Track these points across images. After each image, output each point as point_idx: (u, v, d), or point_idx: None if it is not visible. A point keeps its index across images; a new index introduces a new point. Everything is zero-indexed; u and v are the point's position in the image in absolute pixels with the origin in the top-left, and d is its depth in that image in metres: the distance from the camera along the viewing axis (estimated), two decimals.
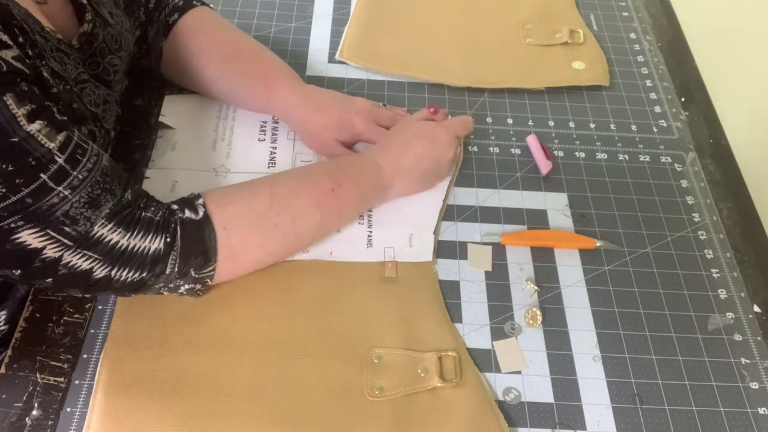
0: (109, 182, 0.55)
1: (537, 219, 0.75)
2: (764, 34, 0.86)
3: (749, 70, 0.88)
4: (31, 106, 0.50)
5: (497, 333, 0.66)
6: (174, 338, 0.63)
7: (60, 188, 0.51)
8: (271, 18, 0.95)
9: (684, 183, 0.81)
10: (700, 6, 1.00)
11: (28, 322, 0.64)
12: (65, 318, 0.64)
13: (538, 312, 0.67)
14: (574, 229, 0.75)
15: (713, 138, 0.87)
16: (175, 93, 0.82)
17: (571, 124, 0.86)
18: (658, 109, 0.89)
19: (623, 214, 0.76)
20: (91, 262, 0.55)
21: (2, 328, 0.67)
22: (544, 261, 0.72)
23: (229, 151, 0.78)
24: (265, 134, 0.80)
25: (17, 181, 0.49)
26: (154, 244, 0.57)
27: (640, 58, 0.95)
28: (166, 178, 0.74)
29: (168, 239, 0.57)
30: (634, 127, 0.86)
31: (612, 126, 0.86)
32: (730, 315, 0.69)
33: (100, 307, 0.65)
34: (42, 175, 0.50)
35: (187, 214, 0.59)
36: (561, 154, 0.82)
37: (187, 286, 0.61)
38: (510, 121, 0.85)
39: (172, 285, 0.60)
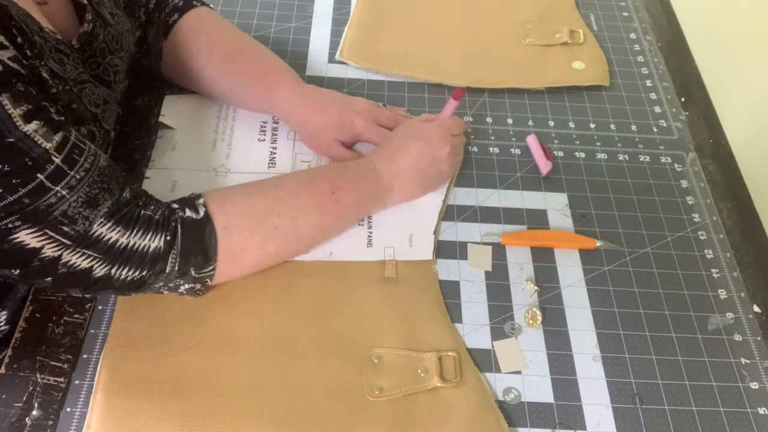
0: (107, 181, 0.55)
1: (537, 219, 0.75)
2: (764, 34, 0.86)
3: (749, 70, 0.88)
4: (27, 106, 0.50)
5: (497, 333, 0.66)
6: (174, 338, 0.63)
7: (57, 188, 0.51)
8: (271, 18, 0.95)
9: (684, 183, 0.81)
10: (700, 6, 1.00)
11: (28, 322, 0.64)
12: (65, 318, 0.64)
13: (538, 312, 0.67)
14: (574, 229, 0.75)
15: (713, 138, 0.87)
16: (175, 93, 0.83)
17: (571, 124, 0.86)
18: (658, 109, 0.89)
19: (623, 214, 0.77)
20: (90, 261, 0.55)
21: (2, 328, 0.67)
22: (544, 261, 0.72)
23: (229, 151, 0.78)
24: (265, 134, 0.80)
25: (14, 181, 0.50)
26: (154, 242, 0.57)
27: (640, 58, 0.95)
28: (166, 178, 0.74)
29: (168, 237, 0.57)
30: (634, 127, 0.86)
31: (612, 126, 0.86)
32: (730, 315, 0.69)
33: (100, 307, 0.65)
34: (39, 175, 0.50)
35: (188, 213, 0.59)
36: (561, 154, 0.82)
37: (187, 286, 0.61)
38: (510, 121, 0.85)
39: (172, 284, 0.60)
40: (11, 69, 0.50)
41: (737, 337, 0.68)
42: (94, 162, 0.55)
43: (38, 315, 0.64)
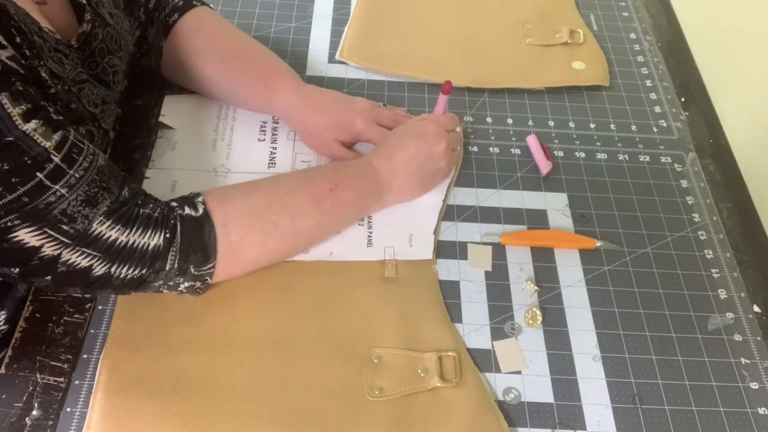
0: (105, 180, 0.55)
1: (537, 219, 0.75)
2: (764, 34, 0.86)
3: (749, 70, 0.88)
4: (26, 105, 0.50)
5: (497, 333, 0.66)
6: (174, 338, 0.63)
7: (57, 187, 0.52)
8: (271, 18, 0.95)
9: (684, 183, 0.81)
10: (700, 6, 1.00)
11: (28, 322, 0.64)
12: (65, 318, 0.64)
13: (538, 312, 0.67)
14: (574, 229, 0.75)
15: (713, 138, 0.87)
16: (175, 93, 0.83)
17: (571, 124, 0.86)
18: (658, 109, 0.89)
19: (623, 214, 0.77)
20: (90, 260, 0.55)
21: (2, 328, 0.67)
22: (544, 261, 0.72)
23: (229, 151, 0.78)
24: (265, 134, 0.80)
25: (13, 180, 0.50)
26: (154, 240, 0.57)
27: (640, 58, 0.95)
28: (166, 178, 0.74)
29: (167, 235, 0.57)
30: (634, 127, 0.86)
31: (612, 126, 0.86)
32: (730, 315, 0.69)
33: (100, 307, 0.65)
34: (38, 173, 0.51)
35: (187, 210, 0.59)
36: (561, 154, 0.82)
37: (186, 284, 0.61)
38: (510, 121, 0.85)
39: (171, 283, 0.60)
40: (10, 68, 0.50)
41: (737, 337, 0.68)
42: (93, 161, 0.55)
43: (38, 315, 0.64)
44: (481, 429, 0.59)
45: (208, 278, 0.62)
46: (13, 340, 0.62)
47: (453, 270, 0.70)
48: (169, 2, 0.77)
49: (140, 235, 0.56)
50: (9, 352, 0.61)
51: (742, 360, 0.66)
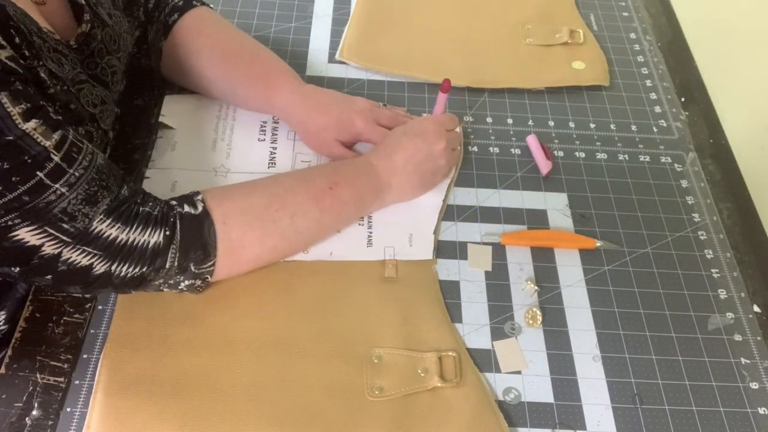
0: (105, 179, 0.56)
1: (537, 219, 0.75)
2: (764, 34, 0.86)
3: (749, 70, 0.88)
4: (26, 104, 0.50)
5: (497, 333, 0.66)
6: (174, 338, 0.63)
7: (57, 185, 0.52)
8: (271, 18, 0.95)
9: (684, 183, 0.81)
10: (700, 6, 1.00)
11: (28, 322, 0.64)
12: (65, 318, 0.64)
13: (538, 312, 0.67)
14: (574, 229, 0.75)
15: (713, 138, 0.87)
16: (175, 93, 0.83)
17: (571, 124, 0.86)
18: (658, 109, 0.89)
19: (623, 214, 0.77)
20: (90, 258, 0.55)
21: (2, 328, 0.67)
22: (544, 261, 0.72)
23: (229, 151, 0.78)
24: (265, 134, 0.80)
25: (13, 179, 0.50)
26: (154, 237, 0.57)
27: (640, 58, 0.95)
28: (166, 178, 0.74)
29: (167, 232, 0.57)
30: (634, 127, 0.86)
31: (612, 126, 0.86)
32: (730, 315, 0.69)
33: (100, 307, 0.65)
34: (38, 172, 0.51)
35: (186, 209, 0.60)
36: (561, 154, 0.82)
37: (187, 282, 0.61)
38: (510, 121, 0.85)
39: (172, 281, 0.60)
40: (9, 68, 0.50)
41: (737, 337, 0.68)
42: (92, 160, 0.55)
43: (38, 315, 0.64)
44: (481, 429, 0.59)
45: (208, 276, 0.62)
46: (13, 340, 0.62)
47: (453, 270, 0.70)
48: (169, 2, 0.77)
49: (140, 233, 0.56)
50: (9, 352, 0.61)
51: (742, 360, 0.66)
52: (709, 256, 0.74)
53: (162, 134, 0.79)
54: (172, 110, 0.81)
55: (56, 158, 0.52)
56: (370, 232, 0.72)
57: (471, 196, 0.77)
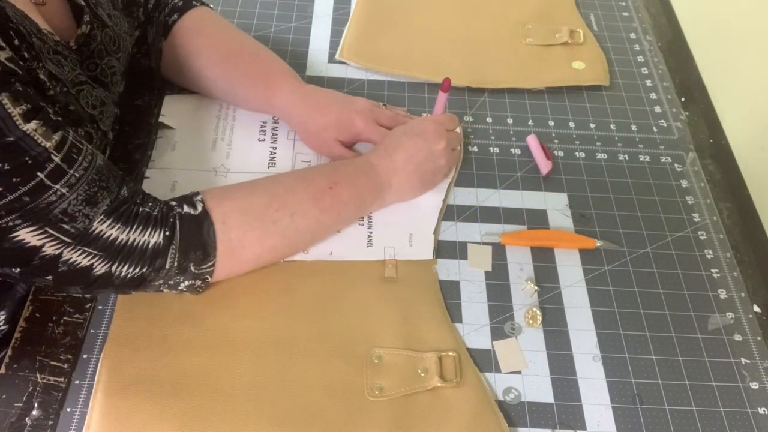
0: (105, 180, 0.56)
1: (537, 219, 0.75)
2: (764, 34, 0.86)
3: (749, 70, 0.88)
4: (26, 105, 0.50)
5: (497, 333, 0.66)
6: (174, 338, 0.63)
7: (57, 186, 0.52)
8: (271, 18, 0.95)
9: (684, 183, 0.81)
10: (700, 6, 1.00)
11: (28, 322, 0.64)
12: (65, 318, 0.64)
13: (538, 312, 0.67)
14: (574, 229, 0.75)
15: (713, 138, 0.87)
16: (175, 93, 0.83)
17: (571, 124, 0.86)
18: (658, 109, 0.89)
19: (623, 214, 0.77)
20: (91, 259, 0.55)
21: (2, 328, 0.67)
22: (544, 261, 0.72)
23: (229, 151, 0.78)
24: (265, 134, 0.80)
25: (14, 179, 0.50)
26: (153, 238, 0.57)
27: (640, 58, 0.95)
28: (166, 178, 0.74)
29: (167, 233, 0.57)
30: (634, 127, 0.86)
31: (612, 126, 0.86)
32: (730, 315, 0.69)
33: (100, 307, 0.65)
34: (39, 173, 0.51)
35: (186, 209, 0.60)
36: (561, 154, 0.82)
37: (187, 283, 0.61)
38: (510, 121, 0.85)
39: (172, 282, 0.60)
40: (9, 69, 0.50)
41: (737, 337, 0.68)
42: (92, 161, 0.55)
43: (38, 315, 0.64)
44: (481, 429, 0.59)
45: (208, 277, 0.62)
46: (13, 340, 0.62)
47: (453, 270, 0.70)
48: (169, 2, 0.77)
49: (140, 233, 0.56)
50: (9, 352, 0.61)
51: (742, 360, 0.66)
52: (709, 256, 0.74)
53: (162, 134, 0.79)
54: (172, 110, 0.81)
55: (56, 159, 0.52)
56: (370, 232, 0.72)
57: (471, 196, 0.77)
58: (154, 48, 0.77)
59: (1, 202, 0.50)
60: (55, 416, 0.58)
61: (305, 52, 0.91)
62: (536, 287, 0.69)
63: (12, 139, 0.49)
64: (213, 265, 0.61)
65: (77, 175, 0.53)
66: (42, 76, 0.55)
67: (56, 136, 0.52)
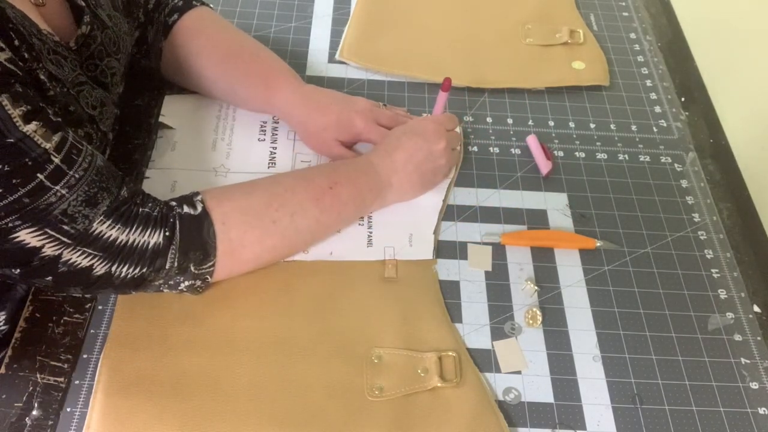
0: (105, 180, 0.56)
1: (537, 219, 0.75)
2: (764, 34, 0.86)
3: (749, 70, 0.88)
4: (26, 107, 0.50)
5: (497, 333, 0.66)
6: (174, 338, 0.63)
7: (57, 187, 0.52)
8: (271, 18, 0.95)
9: (684, 183, 0.81)
10: (700, 6, 1.00)
11: (28, 322, 0.64)
12: (65, 318, 0.64)
13: (538, 312, 0.67)
14: (574, 229, 0.75)
15: (713, 138, 0.87)
16: (175, 93, 0.83)
17: (571, 124, 0.86)
18: (658, 109, 0.89)
19: (623, 214, 0.77)
20: (91, 259, 0.55)
21: (2, 328, 0.67)
22: (544, 261, 0.72)
23: (229, 151, 0.78)
24: (265, 134, 0.80)
25: (14, 181, 0.50)
26: (153, 238, 0.57)
27: (640, 58, 0.95)
28: (166, 178, 0.74)
29: (167, 233, 0.57)
30: (634, 127, 0.86)
31: (612, 126, 0.86)
32: (730, 315, 0.69)
33: (100, 307, 0.65)
34: (39, 174, 0.51)
35: (186, 209, 0.60)
36: (561, 154, 0.82)
37: (187, 283, 0.61)
38: (510, 121, 0.85)
39: (172, 282, 0.60)
40: (9, 70, 0.50)
41: (737, 337, 0.68)
42: (92, 162, 0.55)
43: (38, 315, 0.64)
44: (481, 429, 0.59)
45: (208, 277, 0.62)
46: (13, 340, 0.62)
47: (453, 270, 0.70)
48: (169, 2, 0.77)
49: (140, 233, 0.56)
50: (9, 352, 0.62)
51: (742, 360, 0.66)
52: (709, 256, 0.74)
53: (162, 134, 0.79)
54: (172, 110, 0.81)
55: (56, 160, 0.52)
56: (370, 232, 0.72)
57: (471, 196, 0.77)
58: (154, 48, 0.77)
59: (1, 204, 0.50)
60: (55, 416, 0.58)
61: (305, 52, 0.91)
62: (536, 287, 0.69)
63: (12, 140, 0.49)
64: (213, 265, 0.61)
65: (77, 176, 0.53)
66: (42, 77, 0.55)
67: (56, 137, 0.52)
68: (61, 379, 0.60)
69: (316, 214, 0.66)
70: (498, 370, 0.64)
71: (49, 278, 0.55)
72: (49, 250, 0.53)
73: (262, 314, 0.65)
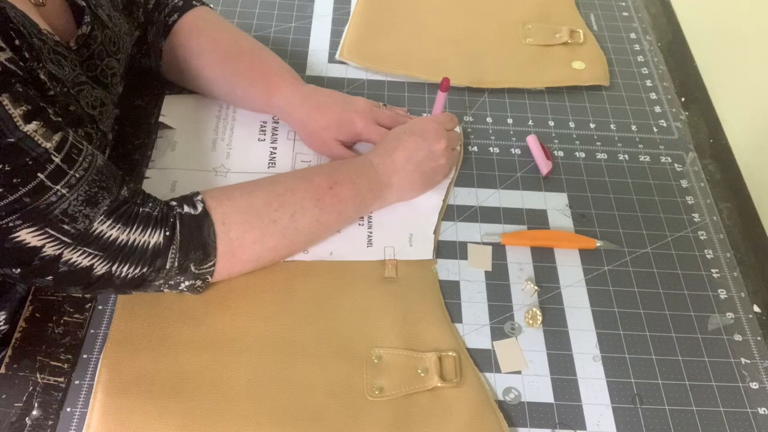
0: (105, 180, 0.56)
1: (537, 219, 0.75)
2: (764, 34, 0.86)
3: (749, 70, 0.88)
4: (27, 106, 0.50)
5: (497, 333, 0.66)
6: (174, 338, 0.63)
7: (57, 187, 0.52)
8: (271, 18, 0.95)
9: (684, 183, 0.81)
10: (700, 6, 1.00)
11: (28, 322, 0.64)
12: (65, 318, 0.64)
13: (538, 312, 0.67)
14: (574, 229, 0.75)
15: (713, 138, 0.87)
16: (175, 93, 0.83)
17: (571, 124, 0.86)
18: (658, 109, 0.89)
19: (623, 214, 0.77)
20: (91, 259, 0.55)
21: (2, 328, 0.67)
22: (544, 261, 0.72)
23: (229, 151, 0.78)
24: (265, 134, 0.80)
25: (14, 180, 0.50)
26: (154, 238, 0.57)
27: (640, 58, 0.95)
28: (166, 178, 0.74)
29: (167, 233, 0.57)
30: (634, 127, 0.86)
31: (612, 126, 0.86)
32: (730, 315, 0.69)
33: (100, 307, 0.65)
34: (39, 174, 0.51)
35: (186, 209, 0.60)
36: (561, 154, 0.82)
37: (187, 283, 0.61)
38: (510, 121, 0.85)
39: (172, 282, 0.60)
40: (9, 70, 0.50)
41: (737, 337, 0.68)
42: (92, 161, 0.55)
43: (38, 315, 0.64)
44: (481, 429, 0.59)
45: (208, 276, 0.62)
46: (13, 340, 0.62)
47: (453, 270, 0.70)
48: (169, 2, 0.77)
49: (140, 233, 0.56)
50: (9, 352, 0.62)
51: (742, 360, 0.66)
52: (709, 256, 0.74)
53: (162, 134, 0.79)
54: (172, 110, 0.81)
55: (57, 160, 0.52)
56: (370, 232, 0.72)
57: (471, 196, 0.77)
58: (155, 48, 0.78)
59: (2, 203, 0.50)
60: (55, 416, 0.58)
61: (305, 52, 0.91)
62: (536, 287, 0.69)
63: (12, 140, 0.49)
64: (213, 265, 0.61)
65: (77, 175, 0.53)
66: (42, 77, 0.55)
67: (56, 137, 0.52)
68: (61, 379, 0.60)
69: (316, 214, 0.66)
70: (498, 370, 0.64)
71: (50, 278, 0.55)
72: (49, 250, 0.53)
73: (262, 314, 0.65)
